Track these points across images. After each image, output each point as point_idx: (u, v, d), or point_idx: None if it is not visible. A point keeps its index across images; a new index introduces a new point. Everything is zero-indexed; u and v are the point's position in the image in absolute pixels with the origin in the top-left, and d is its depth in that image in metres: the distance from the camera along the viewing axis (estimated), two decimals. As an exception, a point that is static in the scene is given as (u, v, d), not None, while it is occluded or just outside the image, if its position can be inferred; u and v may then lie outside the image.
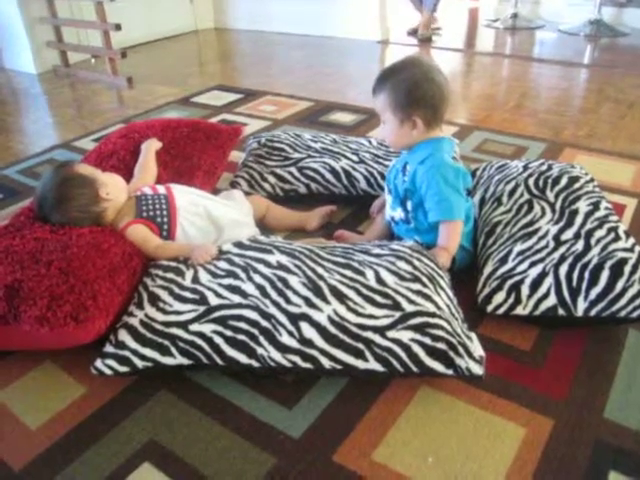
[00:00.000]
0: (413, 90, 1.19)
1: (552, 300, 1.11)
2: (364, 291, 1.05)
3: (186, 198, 1.34)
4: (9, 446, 0.94)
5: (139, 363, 1.01)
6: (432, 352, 0.98)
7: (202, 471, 0.89)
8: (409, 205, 1.28)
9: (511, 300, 1.13)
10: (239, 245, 1.19)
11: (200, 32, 4.32)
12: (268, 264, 1.11)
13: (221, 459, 0.90)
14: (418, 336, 0.99)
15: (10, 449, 0.93)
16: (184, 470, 0.89)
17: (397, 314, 1.01)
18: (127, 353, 1.02)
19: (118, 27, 2.88)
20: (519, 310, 1.13)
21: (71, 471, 0.89)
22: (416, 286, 1.06)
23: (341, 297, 1.04)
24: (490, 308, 1.14)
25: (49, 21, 3.23)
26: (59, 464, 0.90)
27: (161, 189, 1.35)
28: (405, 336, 0.99)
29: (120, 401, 1.02)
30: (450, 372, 0.98)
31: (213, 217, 1.32)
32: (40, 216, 1.25)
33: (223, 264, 1.14)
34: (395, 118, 1.23)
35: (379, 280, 1.07)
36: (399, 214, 1.32)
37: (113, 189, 1.30)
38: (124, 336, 1.04)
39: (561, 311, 1.10)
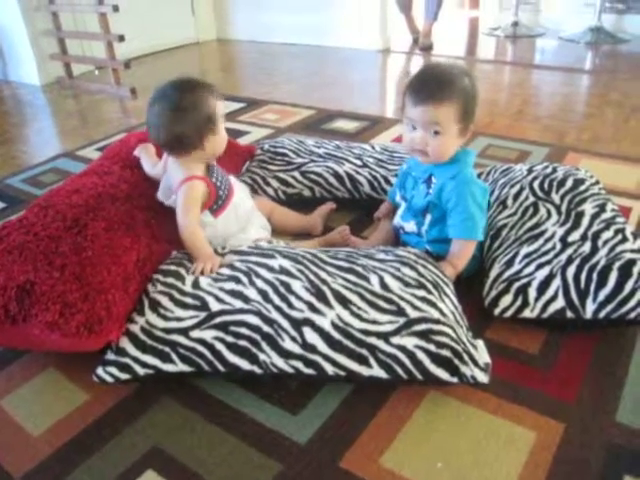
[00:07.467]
0: (473, 100, 1.17)
1: (560, 302, 1.09)
2: (368, 296, 1.03)
3: (239, 195, 1.34)
4: (10, 453, 0.93)
5: (140, 370, 1.00)
6: (436, 359, 0.96)
7: (206, 478, 0.87)
8: (427, 218, 1.25)
9: (518, 303, 1.12)
10: (240, 252, 1.18)
11: (202, 43, 4.34)
12: (270, 268, 1.10)
13: (226, 465, 0.89)
14: (422, 343, 0.97)
15: (11, 456, 0.92)
16: (188, 477, 0.87)
17: (401, 320, 1.00)
18: (128, 360, 1.00)
19: (122, 38, 2.89)
20: (527, 313, 1.11)
21: (73, 479, 0.87)
22: (421, 293, 1.04)
23: (345, 302, 1.02)
24: (497, 311, 1.13)
25: (53, 33, 3.25)
26: (61, 472, 0.89)
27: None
28: (409, 342, 0.97)
29: (123, 408, 1.00)
30: (455, 380, 0.96)
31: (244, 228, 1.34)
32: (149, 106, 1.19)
33: (224, 269, 1.13)
34: (456, 129, 1.16)
35: (383, 285, 1.05)
36: (411, 227, 1.30)
37: (216, 145, 1.24)
38: (125, 343, 1.02)
39: (569, 313, 1.09)
